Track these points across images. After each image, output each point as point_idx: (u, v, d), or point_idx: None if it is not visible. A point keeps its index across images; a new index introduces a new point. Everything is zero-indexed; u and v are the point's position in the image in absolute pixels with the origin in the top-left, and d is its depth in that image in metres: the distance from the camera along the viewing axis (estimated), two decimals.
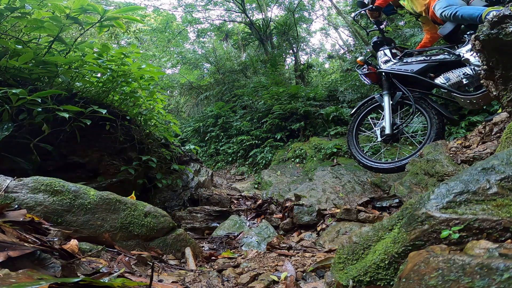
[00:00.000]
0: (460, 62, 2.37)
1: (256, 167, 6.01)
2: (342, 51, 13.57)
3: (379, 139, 2.61)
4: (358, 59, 2.91)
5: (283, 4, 12.43)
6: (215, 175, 4.93)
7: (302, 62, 11.73)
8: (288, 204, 2.40)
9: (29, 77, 1.99)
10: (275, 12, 14.59)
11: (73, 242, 0.98)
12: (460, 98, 2.33)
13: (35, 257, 0.74)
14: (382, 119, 2.66)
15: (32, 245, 0.77)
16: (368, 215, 1.89)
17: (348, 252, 0.91)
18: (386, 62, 2.80)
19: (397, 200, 2.12)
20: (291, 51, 11.60)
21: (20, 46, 1.91)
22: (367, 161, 2.64)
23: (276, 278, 1.12)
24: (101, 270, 0.90)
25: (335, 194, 2.93)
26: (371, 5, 2.77)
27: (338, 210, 2.02)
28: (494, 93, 1.51)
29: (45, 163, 1.95)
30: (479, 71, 2.21)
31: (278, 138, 6.19)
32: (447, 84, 2.40)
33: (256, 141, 6.46)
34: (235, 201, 3.00)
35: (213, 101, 9.45)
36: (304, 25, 14.67)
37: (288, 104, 6.44)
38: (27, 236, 0.85)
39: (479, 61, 2.21)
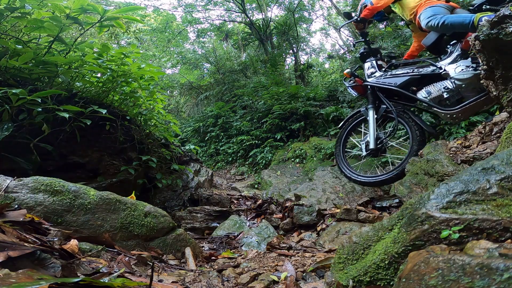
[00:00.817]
0: (442, 75, 2.35)
1: (256, 167, 6.01)
2: (342, 51, 13.56)
3: (364, 153, 2.59)
4: (345, 72, 2.89)
5: (283, 4, 12.42)
6: (215, 175, 4.93)
7: (302, 62, 11.73)
8: (288, 204, 2.40)
9: (29, 77, 1.99)
10: (275, 12, 14.61)
11: (73, 242, 0.98)
12: (441, 113, 2.33)
13: (35, 257, 0.74)
14: (366, 133, 2.64)
15: (32, 245, 0.77)
16: (368, 215, 1.89)
17: (348, 252, 0.91)
18: (372, 74, 2.78)
19: (397, 200, 2.12)
20: (291, 51, 11.60)
21: (20, 46, 1.91)
22: (356, 175, 2.61)
23: (276, 278, 1.12)
24: (101, 270, 0.90)
25: (335, 194, 2.93)
26: (356, 17, 2.73)
27: (338, 210, 2.02)
28: (494, 93, 1.51)
29: (45, 163, 1.95)
30: (458, 85, 2.21)
31: (278, 138, 6.19)
32: (428, 98, 2.38)
33: (256, 141, 6.46)
34: (235, 201, 3.00)
35: (213, 101, 9.45)
36: (304, 25, 14.66)
37: (288, 104, 6.44)
38: (27, 236, 0.85)
39: (459, 75, 2.22)
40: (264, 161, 5.86)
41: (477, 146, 1.94)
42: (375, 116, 2.60)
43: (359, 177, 2.60)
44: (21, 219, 0.93)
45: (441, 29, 2.33)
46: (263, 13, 11.92)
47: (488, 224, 0.65)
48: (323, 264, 1.20)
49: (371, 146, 2.51)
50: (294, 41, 11.40)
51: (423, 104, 2.43)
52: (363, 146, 2.60)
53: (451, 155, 2.08)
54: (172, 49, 13.45)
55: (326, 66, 15.15)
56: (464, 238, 0.66)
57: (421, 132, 2.43)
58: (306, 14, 13.53)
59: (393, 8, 2.89)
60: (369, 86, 2.70)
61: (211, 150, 7.32)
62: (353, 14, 2.94)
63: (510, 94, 1.43)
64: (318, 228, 2.00)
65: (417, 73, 2.48)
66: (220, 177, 5.65)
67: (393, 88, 2.51)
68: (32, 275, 0.60)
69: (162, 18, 13.59)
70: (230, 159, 6.80)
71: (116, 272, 0.95)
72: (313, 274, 1.17)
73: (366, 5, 2.87)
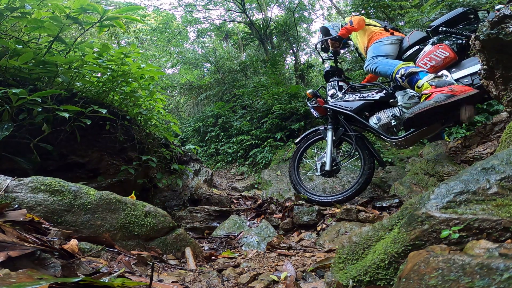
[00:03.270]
0: (390, 103, 2.37)
1: (256, 167, 6.00)
2: (342, 51, 13.54)
3: (319, 173, 2.57)
4: (308, 92, 2.88)
5: (283, 4, 12.42)
6: (215, 175, 4.94)
7: (302, 62, 11.72)
8: (288, 204, 2.40)
9: (29, 77, 1.99)
10: (275, 12, 14.60)
11: (73, 242, 0.99)
12: (387, 140, 2.33)
13: (35, 257, 0.74)
14: (324, 153, 2.63)
15: (32, 245, 0.77)
16: (368, 215, 1.89)
17: (348, 252, 0.91)
18: (332, 95, 2.78)
19: (397, 200, 2.12)
20: (291, 51, 11.59)
21: (20, 46, 1.91)
22: (311, 194, 2.56)
23: (276, 278, 1.12)
24: (101, 270, 0.90)
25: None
26: (334, 35, 2.71)
27: (338, 210, 2.02)
28: (494, 93, 1.51)
29: (45, 163, 1.95)
30: (404, 112, 2.22)
31: (278, 138, 6.19)
32: (378, 125, 2.37)
33: (256, 141, 6.45)
34: (235, 201, 3.00)
35: (213, 101, 9.44)
36: (304, 25, 14.65)
37: (288, 104, 6.44)
38: (27, 236, 0.85)
39: (406, 103, 2.24)
40: (264, 161, 5.86)
41: (477, 146, 1.94)
42: (333, 138, 2.59)
43: (314, 196, 2.54)
44: (21, 219, 0.93)
45: (375, 74, 2.45)
46: (263, 13, 11.91)
47: (488, 224, 0.65)
48: (323, 264, 1.20)
49: (327, 167, 2.48)
50: (294, 41, 11.39)
51: (373, 130, 2.42)
52: (319, 166, 2.57)
53: (451, 155, 2.08)
54: (172, 49, 13.44)
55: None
56: (464, 238, 0.66)
57: (372, 160, 2.44)
58: (306, 14, 13.52)
59: (349, 36, 2.90)
60: (328, 108, 2.71)
61: (211, 150, 7.32)
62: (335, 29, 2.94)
63: (510, 94, 1.43)
64: (318, 228, 2.00)
65: (371, 99, 2.48)
66: (220, 177, 5.65)
67: (349, 112, 2.51)
68: (32, 275, 0.60)
69: (162, 18, 13.58)
70: (230, 159, 6.80)
71: (116, 272, 0.95)
72: (313, 274, 1.17)
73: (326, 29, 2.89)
